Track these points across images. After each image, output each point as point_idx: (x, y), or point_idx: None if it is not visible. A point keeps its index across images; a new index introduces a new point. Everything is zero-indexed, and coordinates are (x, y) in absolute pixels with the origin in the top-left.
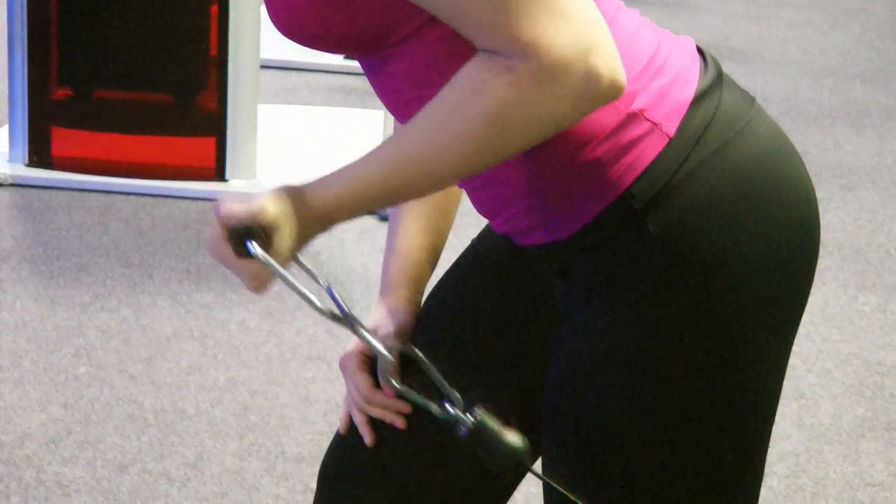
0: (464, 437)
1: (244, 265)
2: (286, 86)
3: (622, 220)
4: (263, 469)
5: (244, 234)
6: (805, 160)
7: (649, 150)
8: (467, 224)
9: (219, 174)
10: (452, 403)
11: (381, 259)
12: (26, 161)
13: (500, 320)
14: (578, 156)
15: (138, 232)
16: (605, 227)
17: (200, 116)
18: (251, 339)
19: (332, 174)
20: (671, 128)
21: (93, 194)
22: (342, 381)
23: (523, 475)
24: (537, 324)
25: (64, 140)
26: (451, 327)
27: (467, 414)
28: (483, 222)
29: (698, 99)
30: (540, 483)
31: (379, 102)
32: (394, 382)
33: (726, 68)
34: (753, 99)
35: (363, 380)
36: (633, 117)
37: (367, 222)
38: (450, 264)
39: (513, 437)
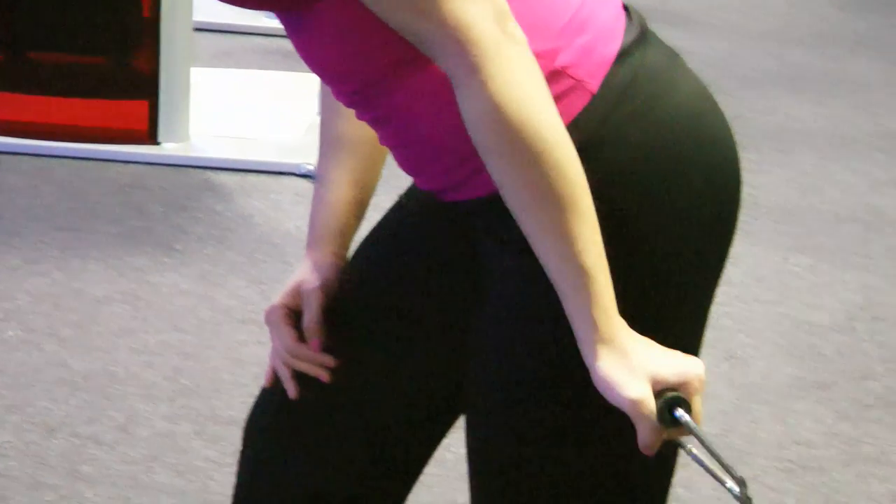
0: None
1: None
2: (222, 49)
3: None
4: (194, 431)
5: (669, 409)
6: (742, 123)
7: (573, 107)
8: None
9: (151, 137)
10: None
11: None
12: None
13: (424, 277)
14: None
15: (71, 195)
16: None
17: (133, 79)
18: (184, 302)
19: (576, 322)
20: (594, 84)
21: (24, 157)
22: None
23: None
24: (462, 279)
25: None
26: (377, 283)
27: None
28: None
29: (622, 55)
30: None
31: None
32: (690, 448)
33: (666, 32)
34: (678, 56)
35: (288, 333)
36: (556, 74)
37: (302, 184)
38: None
39: None
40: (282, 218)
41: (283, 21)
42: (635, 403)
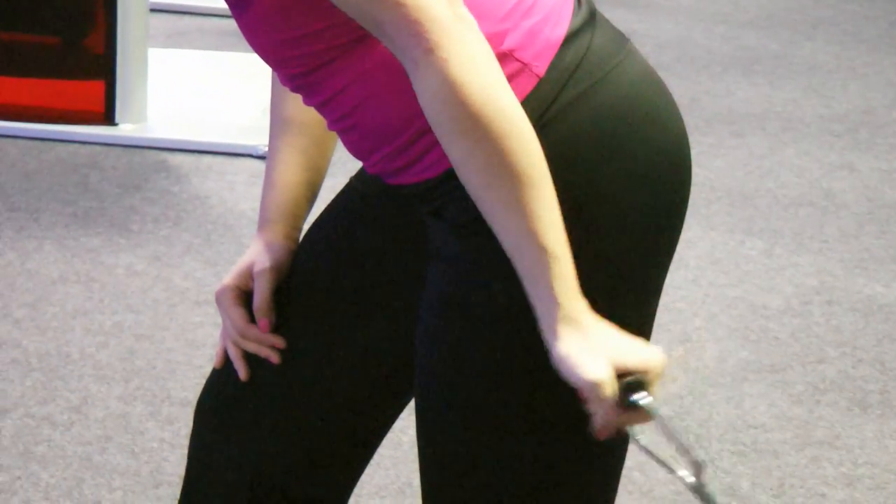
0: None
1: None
2: (178, 29)
3: None
4: (148, 413)
5: (627, 392)
6: (696, 106)
7: (519, 90)
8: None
9: (108, 118)
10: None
11: None
12: None
13: (373, 259)
14: None
15: (25, 176)
16: None
17: (89, 59)
18: (138, 283)
19: (537, 301)
20: (541, 68)
21: None
22: None
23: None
24: (409, 262)
25: None
26: (326, 264)
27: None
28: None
29: (569, 39)
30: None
31: None
32: (639, 439)
33: (618, 14)
34: (627, 39)
35: (238, 314)
36: (503, 57)
37: (258, 166)
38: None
39: None
40: (237, 199)
41: (228, 3)
42: (595, 385)
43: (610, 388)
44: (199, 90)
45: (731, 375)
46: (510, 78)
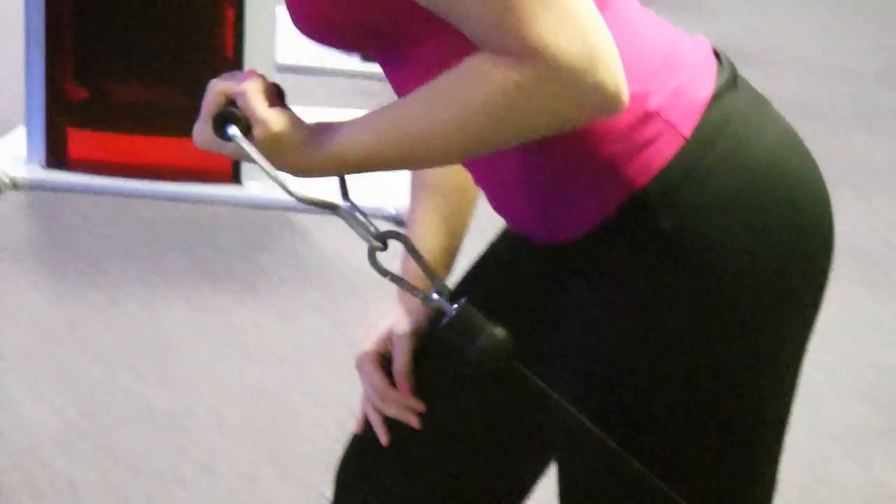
0: (446, 327)
1: (223, 146)
2: (304, 89)
3: (636, 218)
4: (275, 472)
5: (227, 118)
6: (823, 164)
7: (664, 150)
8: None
9: (234, 177)
10: (440, 293)
11: (395, 264)
12: (43, 163)
13: (513, 317)
14: (594, 154)
15: (153, 234)
16: (620, 225)
17: None
18: (264, 340)
19: (339, 127)
20: (686, 128)
21: (108, 196)
22: (357, 382)
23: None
24: (550, 318)
25: (80, 142)
26: None
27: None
28: (501, 221)
29: (714, 100)
30: (554, 488)
31: None
32: (381, 265)
33: (744, 73)
34: (767, 101)
35: (379, 379)
36: (648, 116)
37: (381, 226)
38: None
39: (496, 329)
40: (361, 258)
41: (378, 60)
42: (215, 86)
43: (218, 97)
44: None
45: (860, 439)
46: (655, 138)
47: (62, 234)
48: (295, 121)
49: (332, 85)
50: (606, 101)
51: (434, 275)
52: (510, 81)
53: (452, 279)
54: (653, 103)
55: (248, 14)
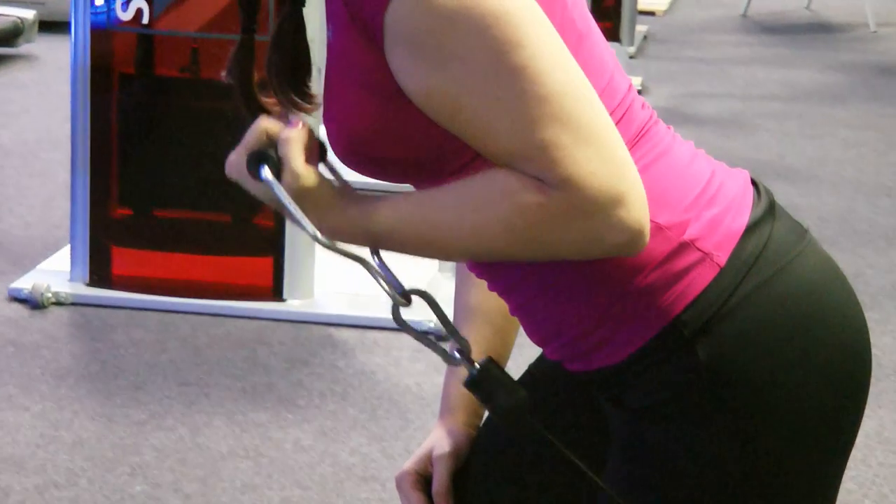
0: (468, 383)
1: (251, 182)
2: None
3: (672, 347)
4: None
5: (262, 158)
6: (860, 281)
7: (700, 279)
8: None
9: (276, 293)
10: (461, 352)
11: (435, 378)
12: (87, 280)
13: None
14: (630, 283)
15: (195, 351)
16: (655, 354)
17: (258, 236)
18: (306, 458)
19: (368, 199)
20: (722, 258)
21: (151, 313)
22: (397, 501)
23: None
24: (588, 446)
25: (124, 259)
26: (505, 452)
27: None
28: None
29: (750, 229)
30: None
31: None
32: (404, 320)
33: (782, 188)
34: (806, 230)
35: (417, 499)
36: (684, 246)
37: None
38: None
39: (517, 388)
40: (402, 374)
41: (417, 188)
42: (258, 126)
43: (259, 139)
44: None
45: None
46: (691, 268)
47: (106, 350)
48: (325, 182)
49: None
50: (629, 240)
51: (456, 333)
52: (535, 204)
53: None
54: (689, 233)
55: None
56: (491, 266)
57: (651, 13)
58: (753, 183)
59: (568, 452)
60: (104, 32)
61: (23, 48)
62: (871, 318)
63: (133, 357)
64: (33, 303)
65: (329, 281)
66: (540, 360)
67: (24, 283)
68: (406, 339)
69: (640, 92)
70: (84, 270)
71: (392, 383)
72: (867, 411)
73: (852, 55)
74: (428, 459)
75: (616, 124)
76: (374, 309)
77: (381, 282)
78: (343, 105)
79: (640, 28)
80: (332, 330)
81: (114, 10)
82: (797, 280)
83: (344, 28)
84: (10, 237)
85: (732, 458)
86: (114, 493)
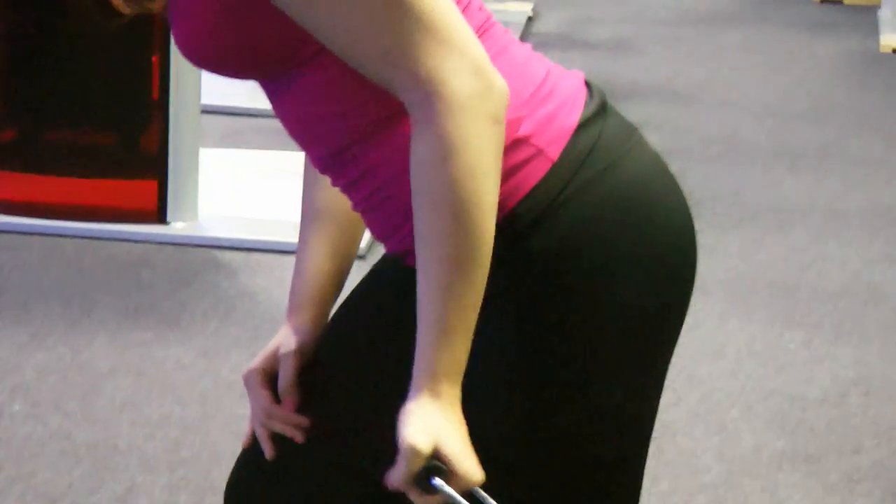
0: None
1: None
2: (229, 130)
3: (507, 239)
4: (192, 502)
5: (429, 472)
6: (741, 200)
7: (533, 174)
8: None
9: (160, 216)
10: None
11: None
12: None
13: (390, 340)
14: None
15: (79, 273)
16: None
17: (142, 159)
18: (186, 376)
19: (418, 359)
20: (555, 153)
21: (34, 237)
22: None
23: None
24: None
25: (7, 183)
26: (347, 346)
27: None
28: None
29: (582, 126)
30: None
31: None
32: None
33: (670, 110)
34: (635, 129)
35: (264, 395)
36: (518, 142)
37: None
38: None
39: None
40: (284, 295)
41: (264, 87)
42: (411, 448)
43: (418, 459)
44: (249, 189)
45: (766, 465)
46: (525, 162)
47: None
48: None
49: (258, 125)
50: (500, 96)
51: None
52: (432, 136)
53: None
54: (523, 130)
55: (174, 58)
56: (333, 163)
57: None
58: (587, 84)
59: None
60: None
61: None
62: (749, 236)
63: (17, 279)
64: None
65: (213, 204)
66: (383, 258)
67: None
68: (290, 261)
69: (530, 19)
70: None
71: (274, 303)
72: (738, 325)
73: None
74: (274, 357)
75: None
76: (258, 231)
77: None
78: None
79: None
80: (216, 252)
81: None
82: (626, 175)
83: None
84: None
85: (560, 344)
86: None
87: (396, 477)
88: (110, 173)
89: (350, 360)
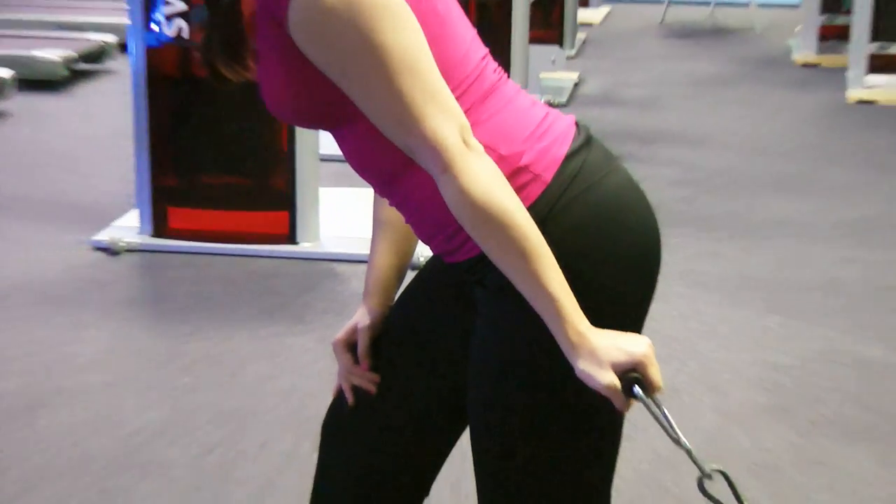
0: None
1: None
2: (342, 172)
3: None
4: (313, 450)
5: (630, 384)
6: (737, 218)
7: (532, 193)
8: None
9: (291, 238)
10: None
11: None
12: (150, 233)
13: (438, 318)
14: None
15: (228, 282)
16: None
17: (277, 196)
18: (309, 357)
19: (557, 336)
20: (548, 177)
21: (197, 256)
22: None
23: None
24: (464, 319)
25: (176, 216)
26: (406, 324)
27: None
28: None
29: (570, 156)
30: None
31: None
32: (710, 494)
33: (685, 151)
34: (615, 156)
35: (346, 358)
36: (520, 170)
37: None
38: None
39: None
40: None
41: (332, 134)
42: (607, 388)
43: (616, 386)
44: (357, 216)
45: (750, 416)
46: (525, 185)
47: (164, 283)
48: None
49: None
50: (479, 153)
51: (671, 431)
52: (452, 179)
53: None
54: (523, 160)
55: None
56: (384, 190)
57: (589, 24)
58: (577, 123)
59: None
60: (155, 49)
61: (106, 65)
62: (741, 245)
63: (182, 288)
64: (111, 251)
65: (331, 228)
66: (433, 257)
67: (104, 236)
68: None
69: (576, 84)
70: (148, 225)
71: None
72: (730, 311)
73: (742, 50)
74: (354, 330)
75: (472, 83)
76: (364, 248)
77: (694, 457)
78: (271, 75)
79: (580, 35)
80: (333, 264)
81: (161, 31)
82: (604, 192)
83: (266, 21)
84: (92, 203)
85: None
86: (164, 384)
87: (620, 408)
88: (253, 207)
89: (408, 333)
